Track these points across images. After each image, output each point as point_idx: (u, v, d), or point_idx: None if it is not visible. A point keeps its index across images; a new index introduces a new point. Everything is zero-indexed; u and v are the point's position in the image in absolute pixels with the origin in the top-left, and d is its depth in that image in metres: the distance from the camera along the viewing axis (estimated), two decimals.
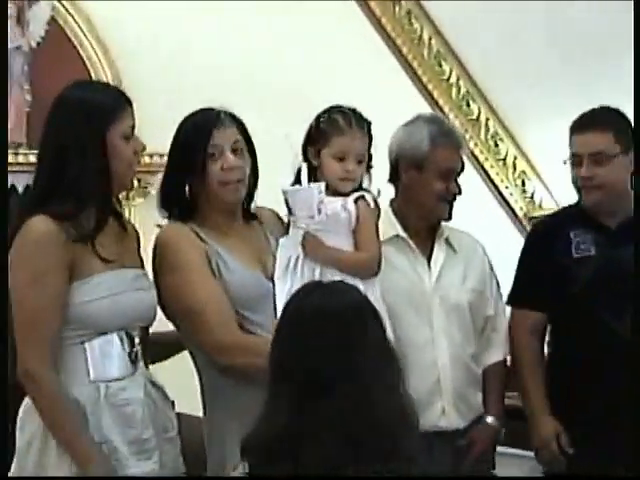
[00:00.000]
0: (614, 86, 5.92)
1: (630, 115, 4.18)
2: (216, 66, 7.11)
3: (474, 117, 7.82)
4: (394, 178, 3.99)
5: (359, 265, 3.60)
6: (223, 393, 3.58)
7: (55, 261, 3.25)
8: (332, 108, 3.65)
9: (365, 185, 3.68)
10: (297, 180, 3.66)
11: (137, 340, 3.44)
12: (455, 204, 4.00)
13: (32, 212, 3.30)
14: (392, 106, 6.31)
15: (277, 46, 7.43)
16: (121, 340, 3.39)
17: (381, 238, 3.77)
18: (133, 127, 3.43)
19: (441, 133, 3.97)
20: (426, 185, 3.91)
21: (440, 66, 7.86)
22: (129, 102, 3.46)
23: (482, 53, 7.66)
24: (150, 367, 3.64)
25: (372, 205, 3.63)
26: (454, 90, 7.87)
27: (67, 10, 7.35)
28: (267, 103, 6.53)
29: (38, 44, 7.29)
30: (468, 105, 7.81)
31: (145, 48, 7.33)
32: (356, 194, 3.61)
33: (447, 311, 3.94)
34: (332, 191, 3.59)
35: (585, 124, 4.16)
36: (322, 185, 3.57)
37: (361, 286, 3.46)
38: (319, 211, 3.57)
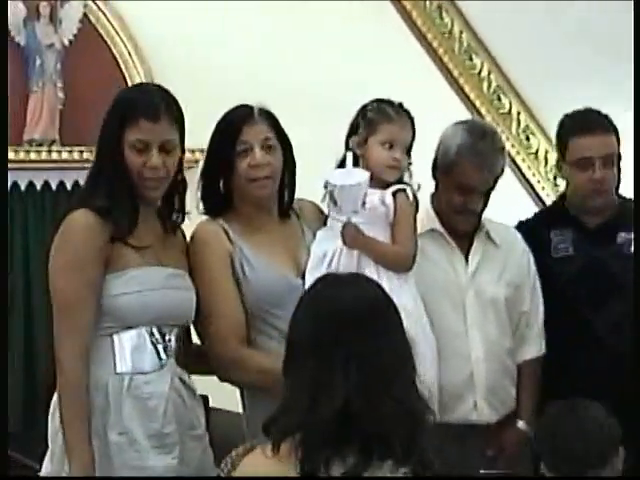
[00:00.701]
0: None
1: None
2: (247, 64, 7.08)
3: (505, 111, 7.77)
4: (435, 174, 3.99)
5: (395, 258, 3.60)
6: (263, 390, 3.51)
7: (92, 252, 3.28)
8: (378, 100, 3.67)
9: (406, 179, 3.68)
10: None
11: (169, 337, 3.45)
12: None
13: (77, 206, 3.36)
14: (423, 101, 6.19)
15: (310, 48, 7.36)
16: (151, 335, 3.41)
17: (420, 231, 3.80)
18: (150, 142, 3.38)
19: (471, 147, 3.89)
20: (446, 193, 3.91)
21: (471, 60, 7.81)
22: (151, 114, 3.38)
23: (513, 47, 7.61)
24: None
25: (412, 199, 3.62)
26: (485, 84, 7.81)
27: (99, 8, 7.30)
28: (298, 102, 6.45)
29: (70, 42, 7.20)
30: (499, 99, 7.76)
31: (177, 45, 7.28)
32: (395, 187, 3.61)
33: (482, 305, 3.91)
34: (376, 180, 3.59)
35: (593, 127, 4.15)
36: (367, 177, 3.56)
37: (396, 280, 3.56)
38: (363, 204, 3.56)
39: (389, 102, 3.70)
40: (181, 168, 3.57)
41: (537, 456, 3.73)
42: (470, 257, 3.96)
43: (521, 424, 3.93)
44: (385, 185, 3.63)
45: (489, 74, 7.82)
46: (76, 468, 3.21)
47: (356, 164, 3.66)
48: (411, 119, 3.71)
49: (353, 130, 3.71)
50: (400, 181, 3.67)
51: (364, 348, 2.52)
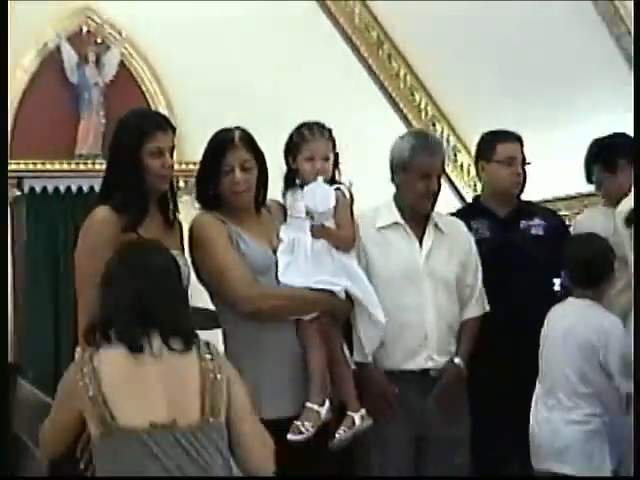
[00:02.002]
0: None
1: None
2: (246, 94, 7.59)
3: (439, 134, 8.19)
4: (392, 179, 4.03)
5: (345, 241, 3.69)
6: (238, 336, 3.66)
7: (107, 239, 3.33)
8: (301, 125, 3.75)
9: (337, 178, 3.76)
10: (287, 181, 3.77)
11: None
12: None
13: (97, 204, 3.46)
14: (374, 125, 7.13)
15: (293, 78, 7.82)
16: None
17: (383, 223, 3.95)
18: (164, 148, 3.48)
19: (420, 143, 3.97)
20: (410, 184, 3.92)
21: (413, 95, 8.41)
22: (163, 127, 3.52)
23: (446, 87, 8.16)
24: None
25: (347, 194, 3.70)
26: (423, 114, 8.40)
27: (131, 55, 8.08)
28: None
29: (111, 81, 7.99)
30: (434, 125, 8.33)
31: (190, 82, 7.91)
32: (334, 186, 3.69)
33: (435, 282, 3.92)
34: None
35: (514, 136, 4.44)
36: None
37: (345, 257, 3.69)
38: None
39: (309, 125, 3.73)
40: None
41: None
42: (423, 244, 3.96)
43: (457, 360, 3.89)
44: None
45: (426, 106, 8.38)
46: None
47: (296, 176, 3.73)
48: (328, 132, 3.74)
49: (287, 150, 3.77)
50: (334, 181, 3.72)
51: (152, 284, 3.02)
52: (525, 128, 4.49)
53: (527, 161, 4.43)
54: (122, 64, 8.07)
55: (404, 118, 8.29)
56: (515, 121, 4.63)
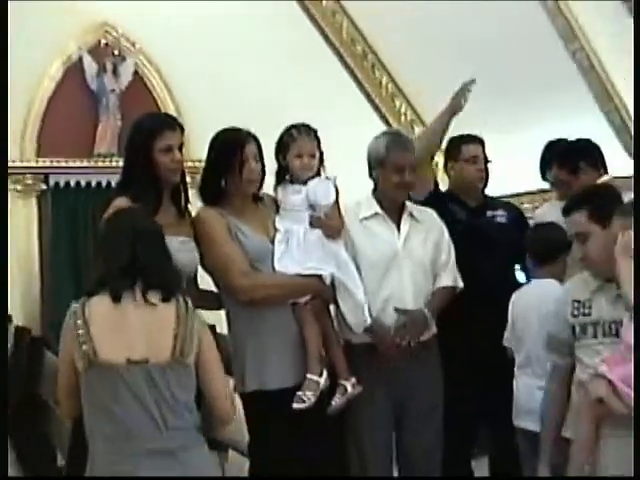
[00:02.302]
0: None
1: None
2: (245, 100, 7.55)
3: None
4: (371, 175, 4.07)
5: (336, 230, 3.75)
6: (240, 317, 3.71)
7: None
8: (290, 126, 3.81)
9: (322, 174, 3.81)
10: (278, 176, 3.83)
11: (183, 283, 3.53)
12: None
13: (116, 195, 3.53)
14: (358, 127, 6.76)
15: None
16: None
17: (366, 215, 3.98)
18: (173, 145, 3.53)
19: (394, 141, 4.01)
20: (388, 178, 3.97)
21: (393, 102, 8.40)
22: (171, 127, 3.57)
23: (423, 92, 8.04)
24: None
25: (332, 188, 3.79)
26: (403, 118, 8.40)
27: (144, 65, 8.26)
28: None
29: (127, 88, 8.17)
30: (412, 128, 8.22)
31: (197, 88, 8.05)
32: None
33: (413, 263, 3.96)
34: (296, 179, 3.79)
35: (477, 139, 4.53)
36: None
37: (334, 244, 3.72)
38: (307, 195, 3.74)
39: (297, 126, 3.78)
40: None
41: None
42: (401, 230, 3.99)
43: (426, 311, 3.89)
44: (304, 181, 3.76)
45: (406, 111, 8.43)
46: None
47: (286, 172, 3.79)
48: (313, 132, 3.78)
49: (278, 149, 3.81)
50: (319, 175, 3.77)
51: (138, 243, 3.11)
52: (490, 130, 4.65)
53: (488, 159, 4.55)
54: (136, 73, 8.27)
55: (386, 121, 8.41)
56: (482, 124, 4.76)
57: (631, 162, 6.86)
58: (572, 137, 4.84)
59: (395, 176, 3.95)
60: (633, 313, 2.93)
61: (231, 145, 3.66)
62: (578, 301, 3.28)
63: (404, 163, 3.96)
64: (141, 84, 8.25)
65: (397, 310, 3.87)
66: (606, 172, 4.66)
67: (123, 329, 3.08)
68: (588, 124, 6.66)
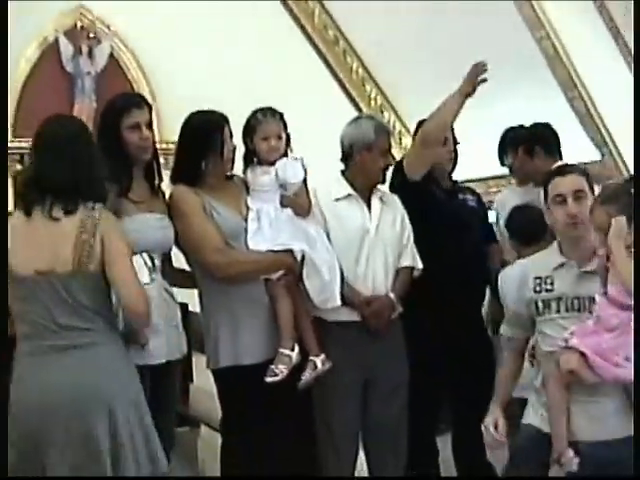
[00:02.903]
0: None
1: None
2: (218, 82, 7.60)
3: (386, 121, 8.02)
4: (346, 158, 4.11)
5: (305, 208, 3.82)
6: (213, 295, 3.77)
7: (107, 207, 3.37)
8: (256, 110, 3.86)
9: (290, 155, 3.86)
10: (246, 159, 3.88)
11: (156, 261, 3.59)
12: None
13: None
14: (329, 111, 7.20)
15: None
16: (146, 259, 3.55)
17: (339, 195, 4.05)
18: (140, 122, 3.56)
19: (380, 125, 4.12)
20: (374, 161, 4.02)
21: (364, 86, 8.47)
22: (138, 105, 3.61)
23: (394, 79, 8.23)
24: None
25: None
26: (373, 102, 8.48)
27: (120, 48, 8.20)
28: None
29: (102, 70, 8.12)
30: (382, 112, 8.35)
31: (170, 71, 8.02)
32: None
33: (384, 242, 4.02)
34: (264, 160, 3.83)
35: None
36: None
37: (304, 222, 3.80)
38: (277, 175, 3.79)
39: (262, 110, 3.82)
40: (154, 142, 3.71)
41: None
42: (372, 211, 4.05)
43: (391, 294, 3.98)
44: (271, 163, 3.80)
45: (376, 96, 8.50)
46: None
47: (254, 154, 3.83)
48: (279, 115, 3.83)
49: (245, 132, 3.85)
50: (286, 156, 3.82)
51: (48, 155, 3.15)
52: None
53: (457, 142, 4.56)
54: (111, 56, 8.21)
55: (356, 106, 8.44)
56: None
57: (592, 147, 7.21)
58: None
59: (381, 159, 4.03)
60: (633, 301, 3.01)
61: (212, 126, 3.69)
62: (539, 277, 3.35)
63: (389, 147, 4.08)
64: (116, 67, 8.20)
65: (362, 300, 3.93)
66: (561, 158, 4.73)
67: (32, 242, 3.18)
68: (554, 112, 6.62)
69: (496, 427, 3.39)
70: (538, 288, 3.36)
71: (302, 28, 8.31)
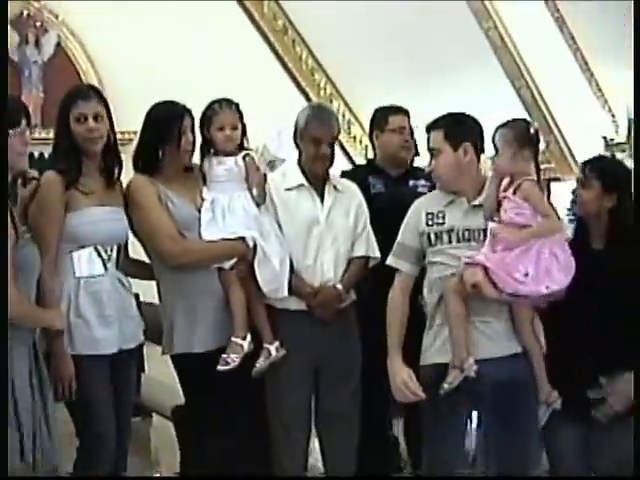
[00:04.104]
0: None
1: None
2: (166, 72, 7.60)
3: (335, 109, 7.76)
4: (297, 145, 4.08)
5: (263, 195, 3.83)
6: (169, 283, 3.79)
7: (56, 198, 3.45)
8: (212, 101, 3.87)
9: (245, 145, 3.87)
10: (203, 150, 3.86)
11: (110, 252, 3.59)
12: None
13: (47, 169, 3.53)
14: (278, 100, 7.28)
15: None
16: (97, 251, 3.56)
17: (290, 185, 3.99)
18: (87, 114, 3.53)
19: (315, 114, 4.04)
20: (306, 149, 4.00)
21: (313, 76, 8.52)
22: (85, 97, 3.57)
23: (344, 69, 8.29)
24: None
25: (255, 159, 3.84)
26: (322, 92, 8.53)
27: (67, 37, 8.13)
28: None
29: (49, 60, 8.05)
30: (331, 101, 8.37)
31: (120, 61, 7.94)
32: (243, 152, 3.82)
33: (335, 233, 3.99)
34: (221, 151, 3.84)
35: (403, 110, 4.58)
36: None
37: (265, 216, 3.82)
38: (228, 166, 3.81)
39: (218, 101, 3.84)
40: (114, 134, 3.69)
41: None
42: (324, 201, 4.01)
43: (338, 285, 3.94)
44: (227, 153, 3.80)
45: (325, 84, 8.55)
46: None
47: (210, 145, 3.83)
48: (235, 105, 3.84)
49: (202, 123, 3.85)
50: (242, 147, 3.82)
51: None
52: (407, 105, 4.66)
53: (414, 131, 4.56)
54: (59, 45, 8.13)
55: (306, 96, 8.44)
56: (398, 98, 4.79)
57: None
58: (487, 116, 4.81)
59: (312, 148, 3.98)
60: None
61: (171, 117, 3.70)
62: (431, 213, 3.65)
63: (321, 136, 3.98)
64: (64, 56, 8.12)
65: (309, 291, 3.91)
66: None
67: None
68: (501, 100, 6.78)
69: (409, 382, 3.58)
70: (430, 222, 3.65)
71: (251, 17, 8.28)
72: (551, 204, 3.60)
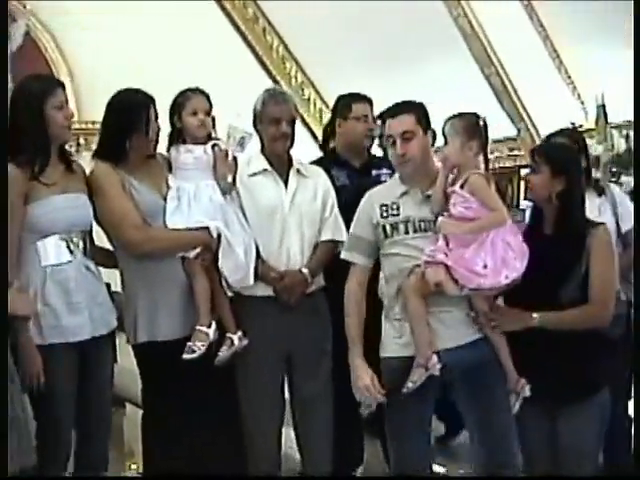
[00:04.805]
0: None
1: None
2: (136, 62, 7.54)
3: (306, 98, 8.58)
4: (257, 131, 4.07)
5: (229, 186, 3.82)
6: (132, 272, 3.78)
7: (18, 192, 3.40)
8: (183, 90, 3.87)
9: (214, 135, 3.88)
10: (171, 138, 3.86)
11: (76, 240, 3.59)
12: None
13: (9, 162, 3.44)
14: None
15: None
16: (63, 239, 3.54)
17: (254, 171, 3.98)
18: (64, 102, 3.55)
19: (270, 95, 4.06)
20: (264, 130, 4.00)
21: (284, 64, 8.58)
22: (61, 85, 3.59)
23: (314, 57, 8.37)
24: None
25: (223, 148, 3.84)
26: (293, 80, 8.63)
27: (35, 26, 8.17)
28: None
29: (18, 49, 7.92)
30: (302, 90, 8.54)
31: (88, 52, 7.97)
32: (212, 142, 3.83)
33: (300, 218, 3.99)
34: (191, 138, 3.84)
35: (366, 98, 4.55)
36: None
37: (230, 205, 3.79)
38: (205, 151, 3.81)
39: (190, 88, 3.87)
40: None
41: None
42: (289, 186, 4.01)
43: (304, 270, 3.94)
44: (196, 141, 3.81)
45: (296, 73, 8.62)
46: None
47: (180, 133, 3.83)
48: (205, 94, 3.86)
49: (172, 111, 3.87)
50: (210, 137, 3.84)
51: None
52: (375, 93, 4.63)
53: (376, 120, 4.45)
54: (27, 34, 8.12)
55: (277, 84, 8.21)
56: (368, 87, 4.74)
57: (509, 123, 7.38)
58: (457, 105, 4.81)
59: (271, 128, 3.97)
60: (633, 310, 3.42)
61: (138, 105, 3.69)
62: (385, 205, 3.65)
63: (279, 115, 3.98)
64: (33, 46, 8.13)
65: (274, 276, 3.91)
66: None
67: None
68: (471, 88, 6.93)
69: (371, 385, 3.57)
70: (385, 214, 3.65)
71: (221, 5, 8.27)
72: (502, 195, 3.64)
